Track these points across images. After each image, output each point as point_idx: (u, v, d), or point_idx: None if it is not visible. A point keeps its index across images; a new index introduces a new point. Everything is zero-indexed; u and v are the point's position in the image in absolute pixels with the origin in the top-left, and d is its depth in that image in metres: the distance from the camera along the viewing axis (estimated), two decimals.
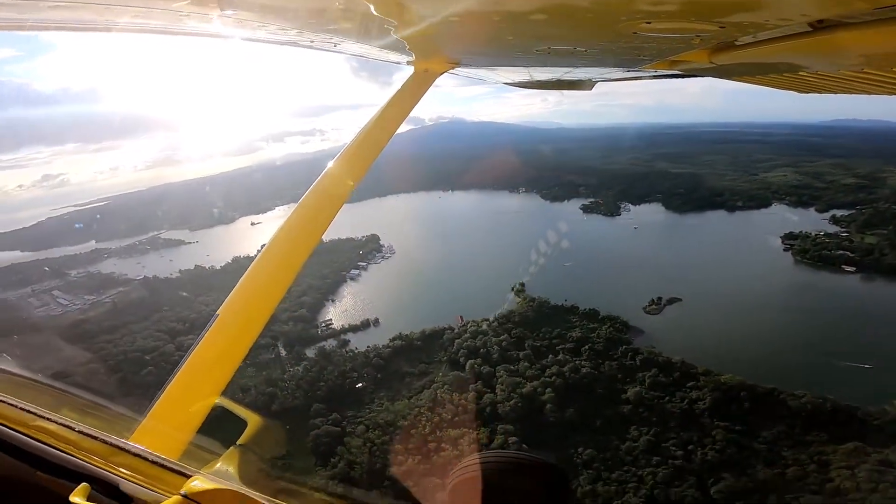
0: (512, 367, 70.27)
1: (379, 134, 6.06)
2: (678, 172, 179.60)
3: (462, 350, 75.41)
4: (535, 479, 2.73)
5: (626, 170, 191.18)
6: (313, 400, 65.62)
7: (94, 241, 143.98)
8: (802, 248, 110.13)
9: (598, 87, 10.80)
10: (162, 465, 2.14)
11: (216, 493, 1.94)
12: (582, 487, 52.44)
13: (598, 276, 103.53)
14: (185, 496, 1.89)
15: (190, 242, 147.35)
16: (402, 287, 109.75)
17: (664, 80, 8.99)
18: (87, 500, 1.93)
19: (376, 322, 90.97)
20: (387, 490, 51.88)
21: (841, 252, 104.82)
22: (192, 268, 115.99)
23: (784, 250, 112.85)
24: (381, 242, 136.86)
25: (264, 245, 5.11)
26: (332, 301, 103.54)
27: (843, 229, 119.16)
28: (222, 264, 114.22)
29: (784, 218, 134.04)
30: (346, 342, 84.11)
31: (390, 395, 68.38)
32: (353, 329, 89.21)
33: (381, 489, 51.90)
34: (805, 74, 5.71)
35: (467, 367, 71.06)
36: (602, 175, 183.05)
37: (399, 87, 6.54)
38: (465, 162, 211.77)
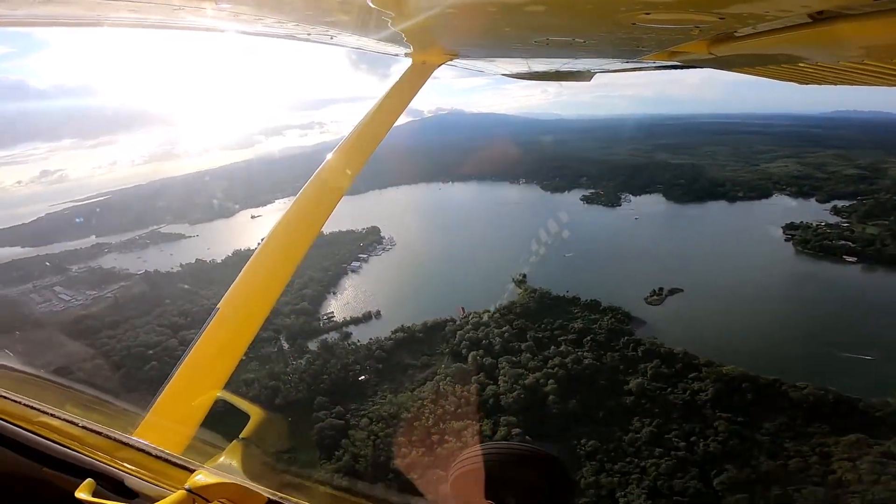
0: (514, 359, 70.32)
1: (377, 126, 6.05)
2: (679, 163, 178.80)
3: (464, 342, 75.49)
4: (536, 471, 2.76)
5: (626, 160, 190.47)
6: (316, 393, 65.73)
7: (94, 236, 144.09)
8: (804, 238, 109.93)
9: (598, 78, 10.75)
10: (166, 460, 2.16)
11: (220, 487, 1.95)
12: (585, 479, 52.55)
13: (599, 267, 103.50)
14: (189, 490, 1.91)
15: (190, 236, 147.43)
16: (403, 279, 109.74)
17: (663, 70, 8.94)
18: (93, 495, 1.95)
19: (378, 314, 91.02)
20: (391, 482, 52.08)
21: (842, 242, 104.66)
22: (193, 261, 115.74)
23: (785, 240, 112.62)
24: (382, 234, 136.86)
25: (264, 238, 5.13)
26: (334, 293, 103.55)
27: (844, 220, 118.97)
28: (223, 258, 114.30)
29: (785, 208, 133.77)
30: (349, 335, 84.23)
31: (393, 388, 68.51)
32: (355, 321, 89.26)
33: (385, 482, 52.09)
34: (805, 66, 5.68)
35: (469, 359, 71.18)
36: (602, 166, 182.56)
37: (397, 80, 6.52)
38: (464, 153, 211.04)
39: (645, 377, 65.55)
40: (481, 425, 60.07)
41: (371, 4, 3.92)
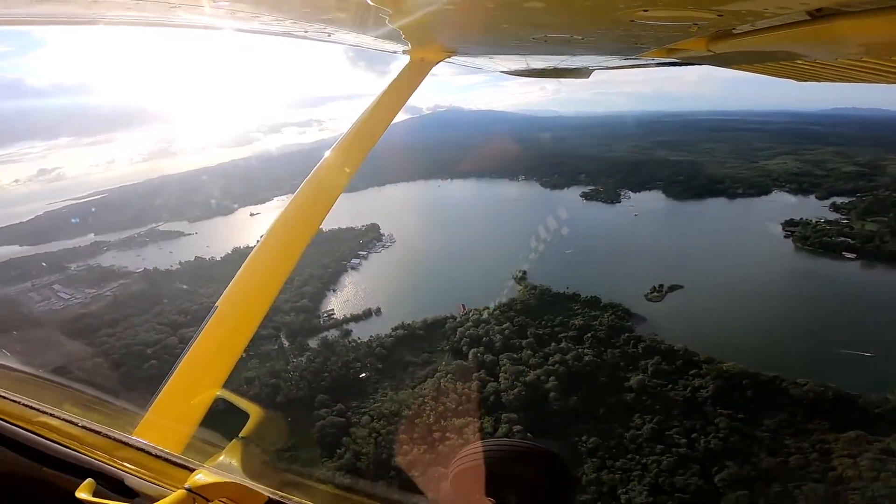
0: (515, 356, 70.36)
1: (375, 123, 6.05)
2: (678, 160, 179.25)
3: (464, 339, 75.52)
4: (535, 468, 2.76)
5: (625, 157, 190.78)
6: (317, 391, 65.70)
7: (92, 235, 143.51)
8: (803, 234, 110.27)
9: (596, 75, 10.77)
10: (166, 460, 2.15)
11: (220, 487, 1.95)
12: (587, 476, 52.68)
13: (599, 264, 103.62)
14: (189, 490, 1.90)
15: (189, 234, 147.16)
16: (403, 276, 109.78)
17: (662, 67, 8.94)
18: (93, 495, 1.94)
19: (378, 311, 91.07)
20: (392, 480, 52.11)
21: (842, 239, 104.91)
22: (193, 259, 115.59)
23: (785, 237, 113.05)
24: (382, 231, 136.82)
25: (262, 236, 5.12)
26: (334, 291, 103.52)
27: (843, 216, 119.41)
28: (222, 255, 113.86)
29: (784, 205, 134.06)
30: (349, 332, 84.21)
31: (394, 385, 68.58)
32: (356, 319, 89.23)
33: (386, 479, 52.16)
34: (803, 63, 5.68)
35: (470, 356, 71.23)
36: (601, 163, 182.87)
37: (395, 77, 6.52)
38: (463, 150, 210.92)
39: (646, 374, 65.70)
40: (482, 422, 60.18)
41: (369, 1, 3.91)
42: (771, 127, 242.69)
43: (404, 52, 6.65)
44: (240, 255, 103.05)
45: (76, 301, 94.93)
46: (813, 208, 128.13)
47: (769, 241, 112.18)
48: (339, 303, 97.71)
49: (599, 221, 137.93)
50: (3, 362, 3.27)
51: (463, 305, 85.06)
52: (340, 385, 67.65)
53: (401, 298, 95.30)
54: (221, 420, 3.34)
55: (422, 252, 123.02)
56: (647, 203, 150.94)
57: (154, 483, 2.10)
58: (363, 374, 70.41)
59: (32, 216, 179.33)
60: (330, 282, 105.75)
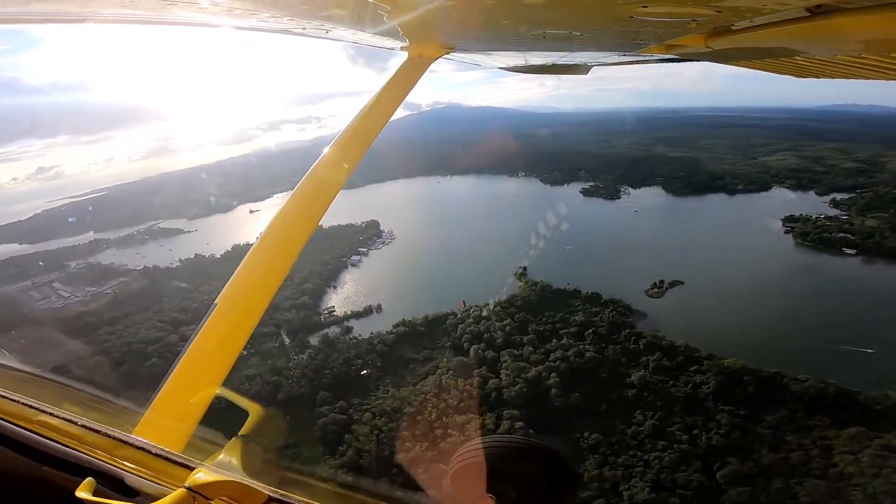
0: (516, 352, 70.42)
1: (374, 120, 6.04)
2: (677, 156, 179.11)
3: (465, 335, 75.54)
4: (535, 464, 2.77)
5: (624, 154, 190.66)
6: (319, 388, 65.73)
7: (92, 233, 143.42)
8: (803, 230, 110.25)
9: (595, 72, 10.72)
10: (166, 458, 2.15)
11: (220, 485, 1.95)
12: (589, 472, 52.71)
13: (599, 260, 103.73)
14: (189, 489, 1.90)
15: (188, 231, 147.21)
16: (403, 273, 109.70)
17: (661, 64, 8.92)
18: (94, 494, 1.95)
19: (379, 308, 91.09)
20: (394, 477, 52.10)
21: (842, 235, 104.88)
22: (192, 256, 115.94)
23: (785, 233, 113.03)
24: (382, 228, 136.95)
25: (261, 233, 5.12)
26: (334, 288, 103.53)
27: (843, 212, 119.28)
28: (222, 252, 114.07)
29: (784, 201, 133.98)
30: (350, 329, 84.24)
31: (395, 382, 68.61)
32: (356, 316, 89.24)
33: (388, 476, 52.13)
34: (802, 59, 5.66)
35: (471, 353, 71.25)
36: (601, 159, 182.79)
37: (394, 73, 6.50)
38: (463, 147, 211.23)
39: (647, 370, 65.70)
40: (484, 419, 60.24)
41: None
42: (770, 123, 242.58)
43: (402, 48, 6.63)
44: (239, 252, 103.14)
45: (76, 299, 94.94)
46: (813, 204, 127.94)
47: (769, 237, 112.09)
48: (339, 300, 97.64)
49: (599, 218, 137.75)
50: (3, 361, 3.27)
51: (464, 302, 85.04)
52: (342, 382, 67.68)
53: (401, 295, 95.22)
54: (221, 418, 3.34)
55: (422, 249, 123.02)
56: (646, 199, 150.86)
57: (154, 482, 2.11)
58: (364, 371, 70.45)
59: (31, 214, 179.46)
60: (330, 279, 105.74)
